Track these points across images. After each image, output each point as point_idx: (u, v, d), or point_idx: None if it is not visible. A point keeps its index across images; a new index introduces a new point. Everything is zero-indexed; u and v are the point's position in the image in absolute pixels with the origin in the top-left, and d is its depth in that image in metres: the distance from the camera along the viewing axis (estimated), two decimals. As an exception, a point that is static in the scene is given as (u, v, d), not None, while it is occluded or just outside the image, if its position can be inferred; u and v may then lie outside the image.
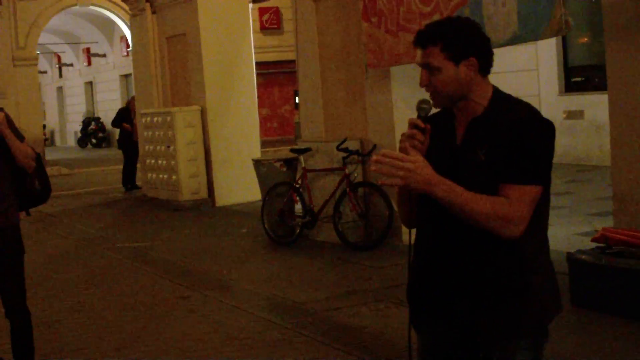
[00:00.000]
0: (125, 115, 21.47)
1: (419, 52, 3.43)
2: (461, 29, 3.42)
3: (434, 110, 3.52)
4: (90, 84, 47.79)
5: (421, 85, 3.45)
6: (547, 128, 3.33)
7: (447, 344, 3.53)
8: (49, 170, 20.92)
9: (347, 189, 11.53)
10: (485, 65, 3.43)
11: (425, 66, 3.41)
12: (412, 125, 3.38)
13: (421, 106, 3.43)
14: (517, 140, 3.26)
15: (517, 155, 3.25)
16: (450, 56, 3.36)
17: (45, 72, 50.76)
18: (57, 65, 50.79)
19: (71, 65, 48.72)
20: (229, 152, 17.12)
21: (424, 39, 3.41)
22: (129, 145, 21.14)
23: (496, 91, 3.47)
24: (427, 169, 3.24)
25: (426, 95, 3.50)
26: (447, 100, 3.43)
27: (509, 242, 3.29)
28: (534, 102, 17.43)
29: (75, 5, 31.63)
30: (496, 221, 3.23)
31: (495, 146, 3.29)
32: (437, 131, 3.46)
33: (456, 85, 3.38)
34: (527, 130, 3.28)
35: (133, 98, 22.32)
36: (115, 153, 37.64)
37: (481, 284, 3.36)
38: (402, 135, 3.39)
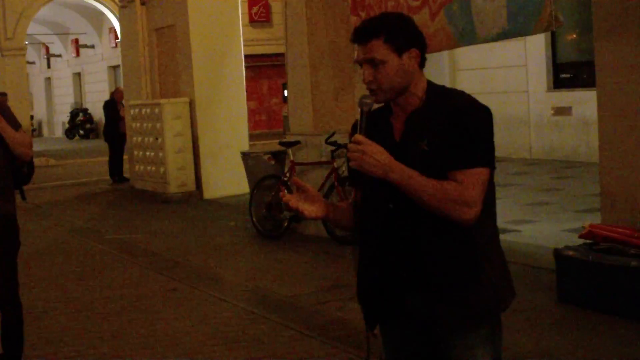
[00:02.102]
0: (112, 107, 21.46)
1: (359, 49, 3.44)
2: (402, 21, 3.46)
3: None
4: (78, 75, 47.66)
5: (365, 81, 3.46)
6: (486, 113, 3.39)
7: (409, 339, 3.56)
8: (37, 161, 20.86)
9: (335, 183, 11.52)
10: (423, 57, 3.48)
11: (369, 61, 3.42)
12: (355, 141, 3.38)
13: (363, 101, 3.45)
14: (459, 127, 3.31)
15: (462, 141, 3.30)
16: (394, 48, 3.38)
17: (33, 63, 50.59)
18: (45, 56, 50.62)
19: (59, 56, 48.59)
20: (217, 145, 17.10)
21: (365, 33, 3.43)
22: (115, 137, 21.13)
23: (430, 83, 3.51)
24: (383, 154, 3.29)
25: (346, 93, 3.53)
26: (389, 93, 3.44)
27: (460, 232, 3.34)
28: (522, 98, 17.46)
29: (64, -5, 31.56)
30: (450, 204, 3.27)
31: (437, 136, 3.33)
32: (375, 128, 3.48)
33: (401, 76, 3.41)
34: (467, 117, 3.33)
35: (117, 89, 22.32)
36: (104, 144, 37.62)
37: (434, 275, 3.38)
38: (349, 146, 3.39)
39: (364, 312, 3.65)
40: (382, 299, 3.54)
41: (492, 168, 3.38)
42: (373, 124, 3.49)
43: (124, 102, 20.75)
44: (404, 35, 3.40)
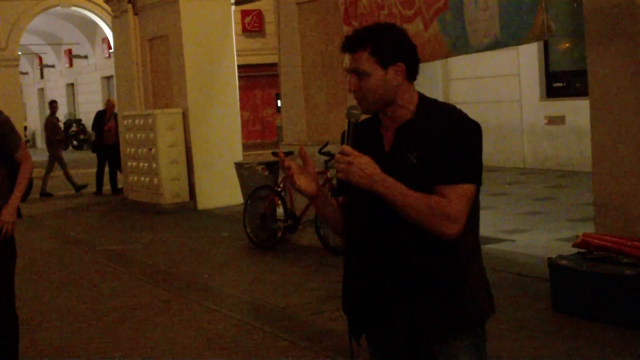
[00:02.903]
0: (99, 118, 21.61)
1: (347, 58, 3.47)
2: (390, 34, 3.47)
3: (365, 116, 3.56)
4: (71, 85, 47.62)
5: (349, 90, 3.49)
6: (475, 129, 3.41)
7: (394, 349, 3.57)
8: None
9: (329, 193, 11.49)
10: (412, 71, 3.49)
11: (354, 71, 3.45)
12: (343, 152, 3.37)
13: (351, 112, 3.47)
14: (448, 142, 3.33)
15: (451, 156, 3.32)
16: (379, 60, 3.41)
17: (26, 73, 50.55)
18: (38, 67, 50.60)
19: (53, 66, 48.56)
20: (211, 155, 17.10)
21: (353, 43, 3.46)
22: (100, 149, 21.18)
23: (422, 97, 3.53)
24: (370, 165, 3.30)
25: (340, 103, 3.55)
26: (374, 105, 3.47)
27: (444, 245, 3.35)
28: (515, 107, 17.44)
29: (57, 6, 31.50)
30: (435, 218, 3.29)
31: (426, 150, 3.35)
32: (365, 139, 3.50)
33: (384, 89, 3.43)
34: (457, 132, 3.35)
35: (108, 100, 22.37)
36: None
37: (418, 286, 3.40)
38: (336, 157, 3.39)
39: (349, 322, 3.66)
40: (366, 309, 3.56)
41: (479, 184, 3.40)
42: (364, 134, 3.51)
43: (116, 112, 20.77)
44: (391, 48, 3.42)
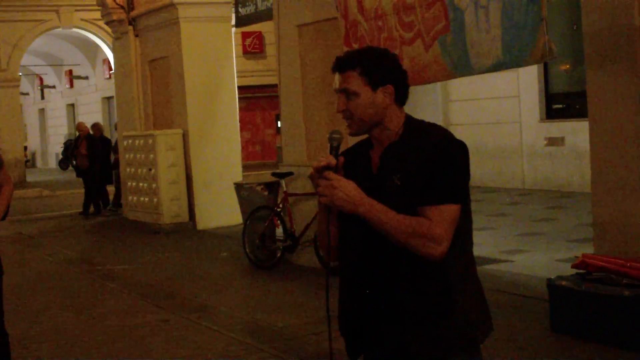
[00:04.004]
0: (77, 144, 21.60)
1: (337, 78, 3.51)
2: (380, 57, 3.52)
3: (354, 139, 3.60)
4: (72, 106, 47.64)
5: (338, 110, 3.54)
6: (460, 149, 3.42)
7: None
8: (30, 192, 20.94)
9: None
10: (401, 95, 3.52)
11: (343, 91, 3.49)
12: (326, 162, 3.41)
13: (333, 136, 3.50)
14: (431, 163, 3.35)
15: (433, 177, 3.34)
16: (369, 81, 3.44)
17: (27, 94, 50.60)
18: (39, 87, 50.64)
19: (53, 87, 48.60)
20: (211, 176, 17.10)
21: (343, 63, 3.50)
22: (85, 173, 21.06)
23: (409, 118, 3.55)
24: (352, 189, 3.34)
25: (338, 126, 3.56)
26: (362, 126, 3.51)
27: (433, 265, 3.36)
28: (514, 129, 17.45)
29: (58, 27, 31.63)
30: (418, 239, 3.31)
31: (409, 171, 3.38)
32: (355, 161, 3.55)
33: (372, 111, 3.46)
34: (441, 153, 3.37)
35: (79, 124, 22.29)
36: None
37: (407, 307, 3.41)
38: (313, 167, 3.43)
39: (346, 342, 3.68)
40: (361, 330, 3.57)
41: (464, 204, 3.41)
42: (354, 156, 3.56)
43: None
44: (381, 70, 3.45)
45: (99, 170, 20.94)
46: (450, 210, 3.34)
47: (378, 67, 3.45)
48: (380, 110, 3.46)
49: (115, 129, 23.38)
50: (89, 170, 20.83)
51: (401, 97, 3.52)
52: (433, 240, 3.30)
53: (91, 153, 20.87)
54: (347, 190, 3.33)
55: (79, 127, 22.12)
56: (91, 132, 21.50)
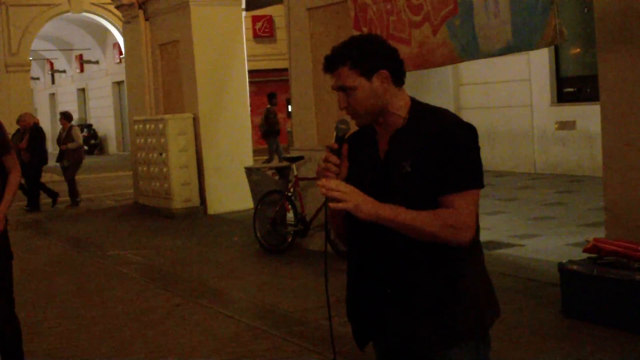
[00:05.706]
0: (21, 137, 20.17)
1: (333, 78, 3.48)
2: (366, 44, 3.47)
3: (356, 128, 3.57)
4: (82, 90, 47.73)
5: (340, 108, 3.50)
6: (471, 132, 3.40)
7: (396, 354, 3.58)
8: (42, 177, 20.90)
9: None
10: (397, 76, 3.47)
11: (341, 88, 3.45)
12: (328, 149, 3.40)
13: (339, 126, 3.46)
14: (444, 149, 3.32)
15: (450, 164, 3.31)
16: (361, 72, 3.40)
17: (37, 79, 50.70)
18: (49, 72, 50.72)
19: (64, 71, 48.68)
20: (221, 160, 17.10)
21: (332, 62, 3.46)
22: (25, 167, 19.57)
23: (414, 102, 3.52)
24: (368, 202, 3.27)
25: (346, 115, 3.54)
26: (368, 117, 3.48)
27: (440, 252, 3.35)
28: (526, 113, 17.37)
29: (68, 11, 31.59)
30: (448, 231, 3.29)
31: (420, 157, 3.35)
32: (360, 147, 3.52)
33: (373, 100, 3.43)
34: (452, 138, 3.34)
35: (20, 116, 21.25)
36: (108, 160, 37.62)
37: (413, 293, 3.41)
38: (319, 164, 3.41)
39: (352, 328, 3.68)
40: (369, 315, 3.57)
41: (482, 187, 3.40)
42: (360, 143, 3.54)
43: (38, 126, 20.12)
44: (370, 58, 3.41)
45: (37, 164, 19.95)
46: (473, 195, 3.35)
47: (367, 56, 3.41)
48: (381, 96, 3.43)
49: (60, 119, 22.43)
50: (29, 163, 19.43)
51: (398, 78, 3.48)
52: (462, 229, 3.29)
53: (31, 146, 19.77)
54: (364, 202, 3.28)
55: (24, 118, 20.73)
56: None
